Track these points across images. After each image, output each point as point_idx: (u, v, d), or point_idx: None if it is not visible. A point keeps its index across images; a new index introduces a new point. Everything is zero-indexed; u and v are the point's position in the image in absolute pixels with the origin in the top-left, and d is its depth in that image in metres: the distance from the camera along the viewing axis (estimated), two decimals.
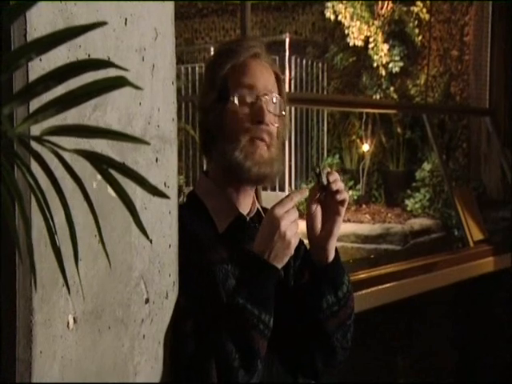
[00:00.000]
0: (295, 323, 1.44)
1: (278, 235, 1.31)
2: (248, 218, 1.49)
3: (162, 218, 1.28)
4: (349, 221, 7.05)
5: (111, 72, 0.65)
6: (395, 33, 7.82)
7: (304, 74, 8.12)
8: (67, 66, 0.63)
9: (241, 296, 1.30)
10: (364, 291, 3.20)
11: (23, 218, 0.67)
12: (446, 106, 7.46)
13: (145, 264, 1.24)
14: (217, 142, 1.46)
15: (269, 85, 1.46)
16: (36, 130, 0.69)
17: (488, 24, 5.53)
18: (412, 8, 7.75)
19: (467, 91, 7.35)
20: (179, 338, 1.31)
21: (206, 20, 9.65)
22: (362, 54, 7.91)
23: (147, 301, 1.24)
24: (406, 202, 7.49)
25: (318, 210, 1.42)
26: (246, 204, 1.49)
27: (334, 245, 1.43)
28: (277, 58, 7.35)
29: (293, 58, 7.89)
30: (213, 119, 1.45)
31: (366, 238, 6.56)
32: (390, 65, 7.70)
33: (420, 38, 7.80)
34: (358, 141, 8.11)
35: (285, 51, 7.75)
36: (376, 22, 7.74)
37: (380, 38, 7.66)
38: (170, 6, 1.31)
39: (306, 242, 1.49)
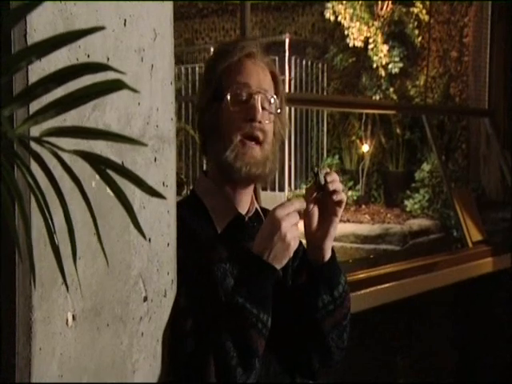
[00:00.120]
0: (293, 323, 1.45)
1: (279, 236, 1.32)
2: (247, 218, 1.50)
3: (161, 217, 1.29)
4: (348, 221, 7.06)
5: (110, 73, 0.67)
6: (395, 34, 7.83)
7: (304, 75, 8.13)
8: (67, 68, 0.64)
9: (240, 295, 1.31)
10: (363, 291, 3.21)
11: (23, 217, 0.68)
12: (446, 107, 7.47)
13: (143, 262, 1.25)
14: (212, 142, 1.47)
15: (263, 83, 1.47)
16: (36, 130, 0.70)
17: (487, 25, 5.54)
18: (412, 9, 7.76)
19: (466, 92, 7.35)
20: (178, 336, 1.31)
21: (207, 20, 9.66)
22: (361, 54, 7.92)
23: (146, 299, 1.25)
24: (406, 202, 7.50)
25: (315, 209, 1.43)
26: (244, 203, 1.50)
27: (330, 245, 1.44)
28: (276, 59, 7.36)
29: (293, 59, 7.90)
30: (208, 119, 1.47)
31: (365, 239, 6.57)
32: (390, 66, 7.72)
33: (419, 39, 7.81)
34: (358, 141, 8.13)
35: (285, 52, 7.76)
36: (376, 23, 7.75)
37: (380, 38, 7.67)
38: (169, 6, 1.32)
39: (304, 242, 1.49)
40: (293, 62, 7.91)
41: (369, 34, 7.67)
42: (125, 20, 1.19)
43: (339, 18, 7.75)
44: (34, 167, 0.70)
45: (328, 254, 1.44)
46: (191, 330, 1.31)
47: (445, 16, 7.73)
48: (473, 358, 4.43)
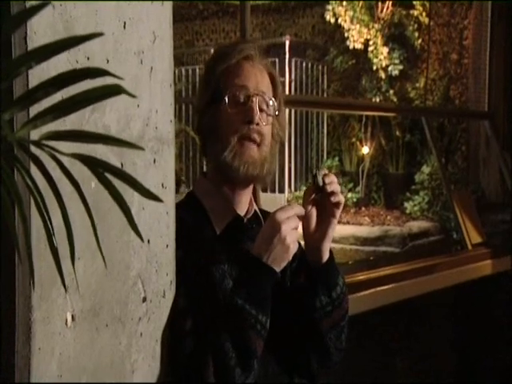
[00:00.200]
0: (291, 324, 1.46)
1: (278, 239, 1.33)
2: (245, 219, 1.51)
3: (160, 218, 1.30)
4: (348, 223, 7.08)
5: (109, 78, 0.67)
6: (395, 36, 7.84)
7: (304, 77, 8.15)
8: (66, 73, 0.65)
9: (239, 296, 1.31)
10: (363, 293, 3.21)
11: (22, 219, 0.69)
12: (445, 109, 7.47)
13: (142, 263, 1.26)
14: (211, 143, 1.48)
15: (261, 86, 1.47)
16: (36, 134, 0.71)
17: (487, 28, 5.54)
18: (412, 11, 7.77)
19: (466, 94, 7.36)
20: (177, 336, 1.32)
21: (207, 22, 9.67)
22: (361, 56, 7.94)
23: (144, 299, 1.26)
24: (405, 204, 7.51)
25: (313, 211, 1.43)
26: (243, 205, 1.51)
27: (328, 246, 1.45)
28: (277, 61, 7.38)
29: (293, 61, 7.92)
30: (207, 120, 1.48)
31: (364, 240, 6.58)
32: (390, 68, 7.73)
33: (419, 41, 7.83)
34: (358, 143, 8.14)
35: (285, 53, 7.78)
36: (376, 26, 7.76)
37: (380, 41, 7.68)
38: (169, 9, 1.32)
39: (302, 243, 1.50)
40: (293, 63, 7.93)
41: (369, 37, 7.69)
42: (124, 23, 1.20)
43: (339, 20, 7.77)
44: (34, 170, 0.71)
45: (326, 256, 1.45)
46: (190, 330, 1.32)
47: (445, 18, 7.74)
48: (472, 360, 4.43)
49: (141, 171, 1.24)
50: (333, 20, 7.83)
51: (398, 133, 7.87)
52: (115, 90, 0.66)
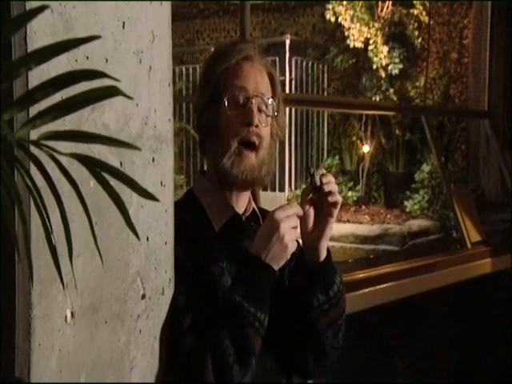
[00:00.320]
0: (290, 322, 1.47)
1: (277, 237, 1.34)
2: (244, 217, 1.51)
3: (158, 216, 1.31)
4: (348, 221, 7.08)
5: (107, 79, 0.69)
6: (395, 35, 7.85)
7: (304, 76, 8.15)
8: (65, 75, 0.67)
9: (238, 294, 1.32)
10: (362, 291, 3.22)
11: (22, 218, 0.70)
12: (445, 108, 7.48)
13: (141, 261, 1.27)
14: (210, 143, 1.49)
15: (260, 86, 1.48)
16: (35, 134, 0.72)
17: (487, 27, 5.55)
18: (412, 10, 7.78)
19: (466, 93, 7.37)
20: (176, 334, 1.33)
21: (208, 21, 9.68)
22: (361, 55, 7.94)
23: (143, 297, 1.27)
24: (405, 203, 7.52)
25: (310, 210, 1.44)
26: (241, 203, 1.52)
27: (325, 245, 1.45)
28: (277, 59, 7.39)
29: (293, 60, 7.92)
30: (206, 120, 1.48)
31: (364, 239, 6.58)
32: (390, 67, 7.73)
33: (420, 40, 7.83)
34: (358, 142, 8.14)
35: (285, 52, 7.78)
36: (376, 24, 7.76)
37: (380, 40, 7.68)
38: (167, 9, 1.33)
39: (300, 242, 1.51)
40: (293, 62, 7.93)
41: (369, 36, 7.69)
42: (123, 22, 1.21)
43: (340, 19, 7.77)
44: (33, 170, 0.72)
45: (323, 255, 1.45)
46: (189, 327, 1.32)
47: (445, 17, 7.74)
48: (472, 358, 4.44)
49: (140, 170, 1.25)
50: (333, 19, 7.83)
51: (398, 132, 7.88)
52: (112, 92, 0.67)
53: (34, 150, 0.72)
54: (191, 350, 1.31)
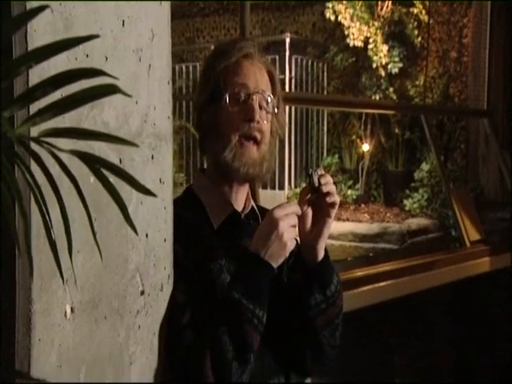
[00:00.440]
0: (288, 319, 1.47)
1: (276, 235, 1.34)
2: (243, 215, 1.52)
3: (158, 213, 1.32)
4: (347, 220, 7.09)
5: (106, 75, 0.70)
6: (395, 34, 7.85)
7: (304, 74, 8.15)
8: (64, 73, 0.68)
9: (236, 291, 1.33)
10: (361, 289, 3.23)
11: (22, 214, 0.71)
12: (445, 107, 7.48)
13: (140, 257, 1.28)
14: (210, 141, 1.50)
15: (261, 84, 1.49)
16: (36, 131, 0.73)
17: (487, 26, 5.56)
18: (411, 9, 7.78)
19: (466, 92, 7.37)
20: (175, 330, 1.34)
21: (208, 19, 9.68)
22: (361, 54, 7.94)
23: (142, 293, 1.28)
24: (405, 201, 7.52)
25: (308, 210, 1.44)
26: (240, 201, 1.53)
27: (323, 245, 1.45)
28: (277, 58, 7.39)
29: (293, 58, 7.92)
30: (207, 118, 1.49)
31: (363, 237, 6.59)
32: (390, 66, 7.73)
33: (419, 39, 7.83)
34: (358, 141, 8.15)
35: (285, 51, 7.78)
36: (376, 23, 7.77)
37: (380, 38, 7.68)
38: (167, 7, 1.34)
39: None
40: (293, 61, 7.93)
41: (369, 34, 7.69)
42: (123, 21, 1.21)
43: (339, 18, 7.76)
44: (34, 166, 0.73)
45: (321, 254, 1.45)
46: (188, 324, 1.33)
47: (444, 16, 7.74)
48: (471, 357, 4.45)
49: (139, 167, 1.26)
50: (333, 18, 7.83)
51: (397, 130, 7.88)
52: (111, 90, 0.68)
53: (34, 146, 0.73)
54: (190, 346, 1.32)
